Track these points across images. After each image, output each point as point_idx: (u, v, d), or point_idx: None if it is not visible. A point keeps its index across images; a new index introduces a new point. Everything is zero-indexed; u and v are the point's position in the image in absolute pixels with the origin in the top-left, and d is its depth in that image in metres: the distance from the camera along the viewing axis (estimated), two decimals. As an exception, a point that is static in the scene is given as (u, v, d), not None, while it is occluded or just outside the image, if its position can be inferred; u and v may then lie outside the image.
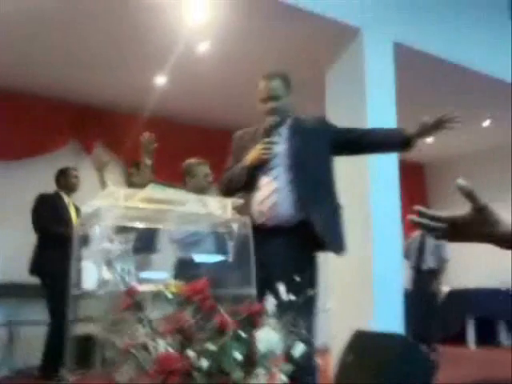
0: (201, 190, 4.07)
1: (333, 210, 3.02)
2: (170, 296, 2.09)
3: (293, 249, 2.86)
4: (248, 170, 2.93)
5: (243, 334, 2.01)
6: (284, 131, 3.02)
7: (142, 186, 4.21)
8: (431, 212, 1.21)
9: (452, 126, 2.94)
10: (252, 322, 2.12)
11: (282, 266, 2.77)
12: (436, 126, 2.94)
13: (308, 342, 2.65)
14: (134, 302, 2.01)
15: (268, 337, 2.07)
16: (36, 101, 6.14)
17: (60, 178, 5.17)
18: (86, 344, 5.11)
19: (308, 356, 2.76)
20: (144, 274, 2.79)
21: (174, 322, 1.98)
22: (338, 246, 2.97)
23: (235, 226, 3.74)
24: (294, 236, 2.85)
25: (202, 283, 2.17)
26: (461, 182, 1.16)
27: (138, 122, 6.34)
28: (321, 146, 3.01)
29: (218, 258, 3.44)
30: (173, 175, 4.62)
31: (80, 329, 5.25)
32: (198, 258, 3.52)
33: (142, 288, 2.42)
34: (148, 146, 3.94)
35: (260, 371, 1.94)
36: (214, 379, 1.87)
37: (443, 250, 6.64)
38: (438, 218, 1.21)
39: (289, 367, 2.00)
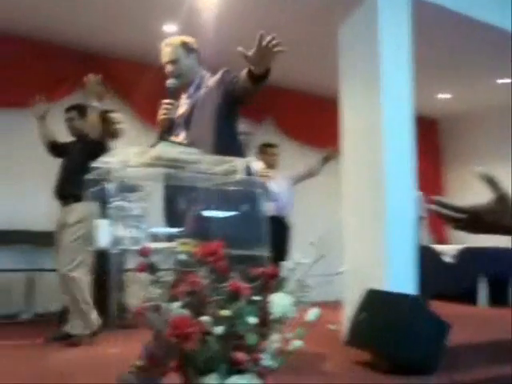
0: None
1: None
2: (183, 257, 2.06)
3: None
4: (159, 134, 2.93)
5: (257, 298, 1.99)
6: (190, 92, 3.09)
7: (88, 130, 4.22)
8: (451, 203, 1.17)
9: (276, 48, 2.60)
10: (266, 285, 2.09)
11: None
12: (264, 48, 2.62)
13: None
14: (147, 263, 1.98)
15: (282, 301, 2.05)
16: (44, 46, 6.02)
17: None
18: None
19: None
20: (157, 230, 2.77)
21: (187, 284, 1.96)
22: None
23: (248, 186, 3.73)
24: None
25: (216, 244, 2.13)
26: (481, 169, 1.11)
27: (147, 70, 6.21)
28: (215, 102, 2.96)
29: (231, 215, 3.42)
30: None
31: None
32: (211, 214, 3.48)
33: (156, 246, 2.40)
34: (93, 87, 3.86)
35: (274, 336, 1.93)
36: (229, 343, 1.86)
37: None
38: (458, 209, 1.16)
39: (303, 332, 1.98)
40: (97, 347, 3.90)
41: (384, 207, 4.35)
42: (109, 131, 5.12)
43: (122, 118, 5.26)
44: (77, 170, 4.05)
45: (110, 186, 2.41)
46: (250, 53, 2.60)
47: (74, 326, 4.17)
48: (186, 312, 1.86)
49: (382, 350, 3.55)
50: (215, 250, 2.09)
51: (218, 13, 5.32)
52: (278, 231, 5.45)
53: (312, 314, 2.06)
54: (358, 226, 4.54)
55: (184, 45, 3.12)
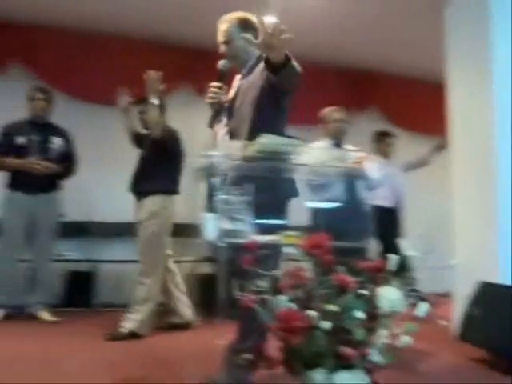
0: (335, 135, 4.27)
1: None
2: (289, 251, 2.06)
3: None
4: (210, 116, 2.81)
5: (365, 292, 1.96)
6: (243, 74, 2.87)
7: (150, 128, 4.15)
8: None
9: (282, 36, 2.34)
10: (373, 279, 2.05)
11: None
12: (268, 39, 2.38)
13: None
14: (254, 257, 2.00)
15: (390, 295, 2.00)
16: (149, 44, 6.16)
17: None
18: (209, 283, 5.30)
19: None
20: (263, 222, 2.79)
21: (294, 278, 1.96)
22: None
23: (352, 176, 3.67)
24: None
25: (322, 236, 2.11)
26: None
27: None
28: (258, 86, 2.72)
29: (336, 207, 3.39)
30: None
31: (203, 269, 5.46)
32: (323, 205, 3.46)
33: (261, 239, 2.42)
34: (153, 84, 3.81)
35: (382, 332, 1.88)
36: (336, 337, 1.84)
37: None
38: None
39: (413, 327, 1.93)
40: (204, 336, 3.98)
41: (496, 196, 4.13)
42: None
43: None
44: (147, 164, 4.28)
45: (215, 180, 2.46)
46: (258, 41, 2.40)
47: (180, 315, 4.36)
48: (292, 306, 1.86)
49: (499, 348, 3.36)
50: (321, 243, 2.07)
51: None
52: (389, 222, 5.36)
53: (421, 308, 2.00)
54: (468, 217, 4.35)
55: (240, 22, 2.88)
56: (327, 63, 6.93)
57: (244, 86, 2.81)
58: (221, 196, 2.40)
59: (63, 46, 5.96)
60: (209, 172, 2.50)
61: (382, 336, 1.90)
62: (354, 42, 6.27)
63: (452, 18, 4.67)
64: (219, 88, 2.77)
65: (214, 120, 2.82)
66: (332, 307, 1.82)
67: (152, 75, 3.70)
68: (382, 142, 5.61)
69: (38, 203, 4.84)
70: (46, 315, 4.82)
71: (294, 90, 2.64)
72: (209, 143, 2.91)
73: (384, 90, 7.42)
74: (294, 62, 2.42)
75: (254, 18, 2.85)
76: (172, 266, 4.49)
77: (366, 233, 3.78)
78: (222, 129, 2.84)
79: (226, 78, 2.82)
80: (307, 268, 2.02)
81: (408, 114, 7.46)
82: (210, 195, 2.71)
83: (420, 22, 5.58)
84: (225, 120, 2.84)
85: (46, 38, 5.94)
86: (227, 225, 2.34)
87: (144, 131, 4.47)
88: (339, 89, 6.99)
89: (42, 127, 4.95)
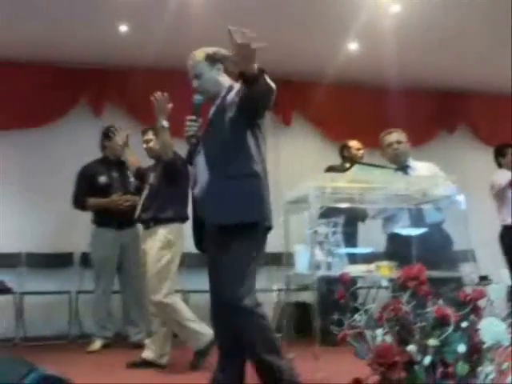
0: (394, 161, 3.94)
1: (229, 183, 2.63)
2: (385, 283, 2.04)
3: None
4: (188, 151, 2.83)
5: (465, 324, 1.90)
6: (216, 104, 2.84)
7: (161, 151, 4.02)
8: None
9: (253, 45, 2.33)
10: (473, 309, 1.98)
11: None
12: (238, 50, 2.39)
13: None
14: (348, 291, 1.99)
15: (494, 327, 1.92)
16: (41, 68, 6.10)
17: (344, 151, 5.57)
18: (302, 311, 5.22)
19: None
20: (352, 250, 2.78)
21: (391, 310, 1.94)
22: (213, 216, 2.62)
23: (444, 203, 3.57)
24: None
25: (418, 267, 2.07)
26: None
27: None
28: (228, 114, 2.71)
29: (429, 234, 3.32)
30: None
31: (294, 297, 5.45)
32: (409, 232, 3.40)
33: (353, 270, 2.42)
34: (162, 106, 3.66)
35: (488, 367, 1.81)
36: (436, 372, 1.79)
37: None
38: None
39: (521, 362, 1.84)
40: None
41: None
42: (351, 157, 5.39)
43: (358, 144, 5.54)
44: (156, 193, 4.16)
45: (309, 212, 2.48)
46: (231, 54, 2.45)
47: (192, 343, 4.02)
48: (389, 339, 1.84)
49: None
50: (417, 274, 2.04)
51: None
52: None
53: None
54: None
55: (207, 58, 2.90)
56: (413, 84, 6.83)
57: (215, 111, 2.82)
58: (313, 228, 2.42)
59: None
60: (300, 203, 2.52)
61: (488, 371, 1.83)
62: (438, 60, 6.16)
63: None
64: (194, 121, 2.80)
65: (192, 154, 2.84)
66: (433, 341, 1.77)
67: (160, 97, 3.61)
68: (507, 155, 5.44)
69: (126, 237, 5.07)
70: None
71: (266, 107, 2.62)
72: None
73: (472, 108, 7.20)
74: (267, 77, 2.43)
75: (220, 50, 2.89)
76: (174, 300, 4.07)
77: (456, 260, 3.68)
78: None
79: (200, 111, 2.85)
80: (403, 300, 1.99)
81: (497, 130, 7.18)
82: (303, 227, 2.74)
83: (503, 33, 5.42)
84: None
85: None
86: (320, 256, 2.36)
87: (149, 162, 4.49)
88: (427, 111, 6.86)
89: (117, 164, 5.20)
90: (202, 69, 2.87)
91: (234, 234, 2.48)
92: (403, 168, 3.95)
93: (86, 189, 5.11)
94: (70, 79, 6.09)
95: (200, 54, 2.91)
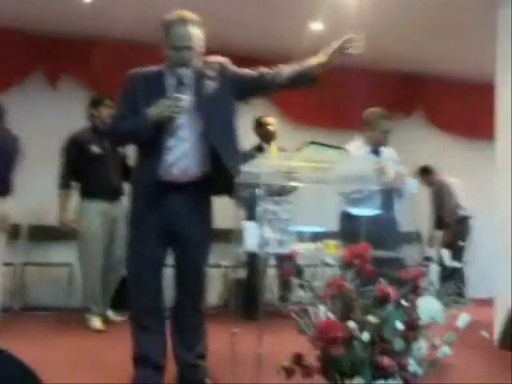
0: (376, 144, 4.01)
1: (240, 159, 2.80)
2: (330, 261, 2.10)
3: (197, 201, 2.76)
4: (152, 127, 2.65)
5: (404, 303, 1.98)
6: (190, 82, 2.75)
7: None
8: None
9: (352, 50, 2.70)
10: (413, 288, 2.06)
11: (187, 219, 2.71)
12: (339, 51, 2.72)
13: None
14: (295, 268, 2.04)
15: (430, 305, 2.01)
16: None
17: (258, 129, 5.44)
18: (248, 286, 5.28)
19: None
20: (302, 229, 2.83)
21: (334, 288, 2.00)
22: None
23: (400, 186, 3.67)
24: (201, 188, 2.72)
25: (363, 246, 2.14)
26: None
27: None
28: (225, 93, 2.77)
29: (377, 215, 3.40)
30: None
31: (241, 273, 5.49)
32: (360, 212, 3.47)
33: (302, 248, 2.47)
34: None
35: (422, 343, 1.90)
36: (375, 348, 1.87)
37: None
38: None
39: (454, 338, 1.93)
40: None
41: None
42: (263, 134, 5.32)
43: (274, 120, 5.41)
44: None
45: (259, 190, 2.51)
46: (328, 56, 2.69)
47: None
48: (332, 316, 1.90)
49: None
50: (362, 253, 2.10)
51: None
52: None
53: (462, 319, 2.00)
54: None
55: (201, 27, 2.74)
56: (370, 65, 6.86)
57: (203, 92, 2.75)
58: (263, 205, 2.46)
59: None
60: (253, 182, 2.55)
61: (422, 347, 1.91)
62: (399, 42, 6.19)
63: (506, 19, 4.57)
64: (180, 100, 2.64)
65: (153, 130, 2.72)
66: (372, 318, 1.84)
67: None
68: None
69: (117, 210, 4.86)
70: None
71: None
72: None
73: (430, 93, 7.23)
74: None
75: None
76: None
77: (400, 242, 3.79)
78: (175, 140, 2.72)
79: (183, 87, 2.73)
80: (347, 278, 2.05)
81: (455, 118, 7.30)
82: (252, 204, 2.77)
83: (470, 22, 5.49)
84: (184, 130, 2.72)
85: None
86: (269, 234, 2.40)
87: None
88: (383, 92, 6.92)
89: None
90: (199, 40, 2.72)
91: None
92: (377, 151, 4.04)
93: (77, 160, 4.79)
94: (25, 47, 5.91)
95: (197, 21, 2.73)
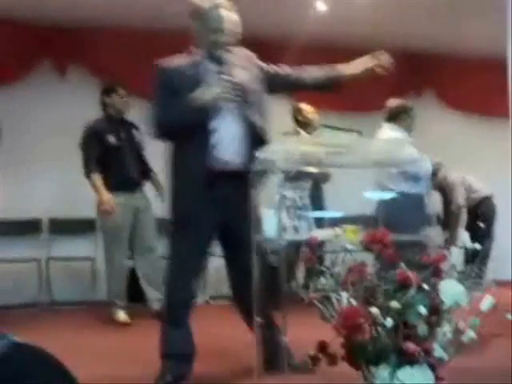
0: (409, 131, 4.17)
1: None
2: (349, 247, 2.08)
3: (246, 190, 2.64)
4: (201, 111, 2.61)
5: (426, 287, 1.96)
6: (226, 65, 2.76)
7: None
8: None
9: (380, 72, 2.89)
10: (435, 272, 2.04)
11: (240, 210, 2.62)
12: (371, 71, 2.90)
13: None
14: (315, 255, 2.03)
15: (453, 288, 1.99)
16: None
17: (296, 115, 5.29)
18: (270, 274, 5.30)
19: None
20: (319, 214, 2.82)
21: (355, 274, 1.98)
22: None
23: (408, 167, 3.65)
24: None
25: (382, 232, 2.12)
26: None
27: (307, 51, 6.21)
28: (258, 82, 2.80)
29: (394, 198, 3.38)
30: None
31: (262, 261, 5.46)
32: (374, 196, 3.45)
33: (321, 235, 2.46)
34: None
35: (446, 327, 1.88)
36: (398, 333, 1.86)
37: None
38: None
39: (478, 322, 1.92)
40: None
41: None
42: (304, 121, 5.27)
43: (311, 108, 5.30)
44: None
45: (276, 176, 2.49)
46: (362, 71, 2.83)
47: None
48: (354, 302, 1.89)
49: None
50: (382, 238, 2.08)
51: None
52: None
53: (486, 302, 1.98)
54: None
55: (233, 8, 2.81)
56: (378, 45, 6.77)
57: (252, 77, 2.79)
58: (281, 191, 2.44)
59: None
60: (269, 168, 2.53)
61: (446, 331, 1.90)
62: (407, 20, 6.11)
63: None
64: (232, 82, 2.69)
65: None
66: (395, 304, 1.83)
67: None
68: None
69: (138, 201, 4.83)
70: None
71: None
72: None
73: (440, 72, 7.16)
74: None
75: None
76: None
77: (424, 225, 3.79)
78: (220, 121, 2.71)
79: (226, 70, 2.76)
80: (368, 263, 2.04)
81: (467, 96, 7.19)
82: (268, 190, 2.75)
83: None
84: (227, 111, 2.71)
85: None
86: (287, 221, 2.39)
87: None
88: (392, 72, 6.83)
89: (122, 123, 4.88)
90: (238, 24, 2.79)
91: None
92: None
93: (97, 150, 4.69)
94: (33, 36, 5.90)
95: (233, 6, 2.79)
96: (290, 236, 2.37)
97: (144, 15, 5.67)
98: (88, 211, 5.44)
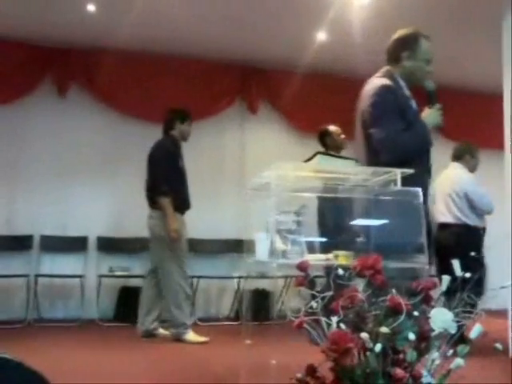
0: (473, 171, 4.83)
1: None
2: (340, 272, 2.09)
3: None
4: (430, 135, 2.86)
5: (416, 313, 1.97)
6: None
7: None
8: None
9: None
10: (426, 299, 2.06)
11: None
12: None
13: None
14: (306, 279, 2.04)
15: (442, 316, 2.00)
16: (202, 64, 6.24)
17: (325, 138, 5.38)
18: (260, 297, 5.33)
19: None
20: (311, 238, 2.82)
21: (346, 299, 1.99)
22: None
23: (405, 196, 3.66)
24: None
25: (374, 257, 2.14)
26: None
27: (303, 79, 6.32)
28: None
29: (388, 225, 3.38)
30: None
31: (253, 284, 5.51)
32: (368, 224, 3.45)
33: (312, 259, 2.47)
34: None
35: (434, 354, 1.89)
36: (387, 358, 1.86)
37: None
38: None
39: (466, 349, 1.93)
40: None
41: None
42: (333, 144, 5.28)
43: (340, 130, 5.34)
44: None
45: (269, 200, 2.51)
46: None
47: None
48: (344, 327, 1.89)
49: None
50: (373, 264, 2.10)
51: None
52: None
53: (475, 330, 1.99)
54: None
55: None
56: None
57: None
58: (274, 216, 2.46)
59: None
60: (263, 192, 2.55)
61: (434, 358, 1.90)
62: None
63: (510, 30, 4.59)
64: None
65: None
66: (384, 330, 1.83)
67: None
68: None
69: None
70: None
71: None
72: None
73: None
74: None
75: None
76: None
77: (419, 252, 3.79)
78: None
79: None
80: (360, 289, 2.05)
81: (463, 127, 7.26)
82: (262, 215, 2.77)
83: (476, 34, 5.53)
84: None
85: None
86: (280, 244, 2.40)
87: None
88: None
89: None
90: None
91: None
92: None
93: (173, 173, 4.89)
94: (34, 58, 6.00)
95: None
96: (281, 260, 2.38)
97: (140, 37, 5.77)
98: (79, 229, 5.52)
